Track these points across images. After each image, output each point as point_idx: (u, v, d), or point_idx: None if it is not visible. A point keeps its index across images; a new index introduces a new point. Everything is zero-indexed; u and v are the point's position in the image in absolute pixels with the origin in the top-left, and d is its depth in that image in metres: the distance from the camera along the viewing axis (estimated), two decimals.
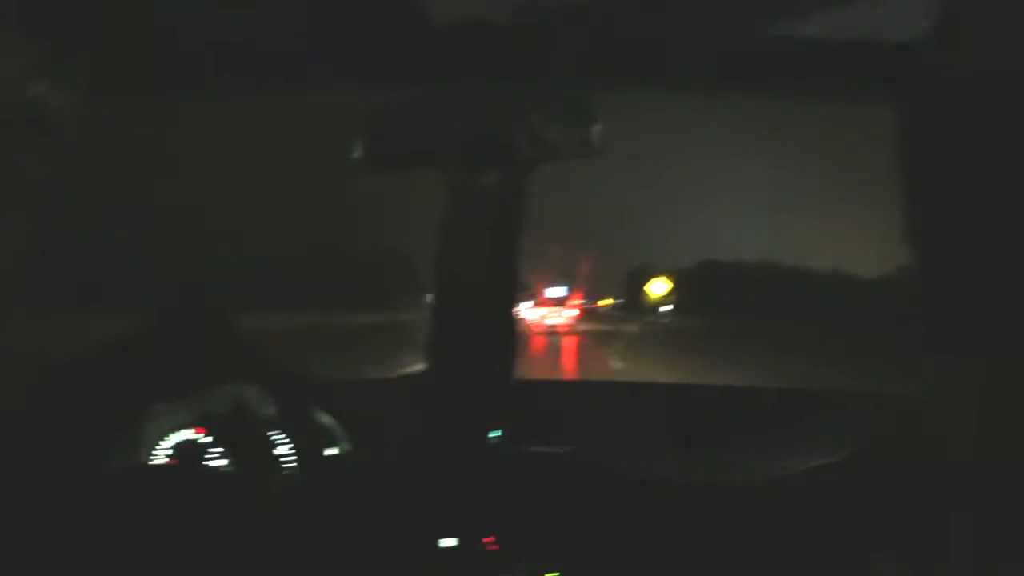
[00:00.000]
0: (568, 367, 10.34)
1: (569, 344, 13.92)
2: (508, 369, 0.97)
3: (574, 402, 1.46)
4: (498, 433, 1.31)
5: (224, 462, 1.43)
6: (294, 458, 1.32)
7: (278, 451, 1.36)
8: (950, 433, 0.38)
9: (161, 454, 1.42)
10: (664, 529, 1.16)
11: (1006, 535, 0.36)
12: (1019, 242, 0.33)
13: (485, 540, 1.19)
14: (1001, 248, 0.33)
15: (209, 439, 1.43)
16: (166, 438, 1.43)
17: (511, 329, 0.94)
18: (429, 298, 0.92)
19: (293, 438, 1.15)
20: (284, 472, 1.39)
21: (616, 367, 9.64)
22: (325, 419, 1.37)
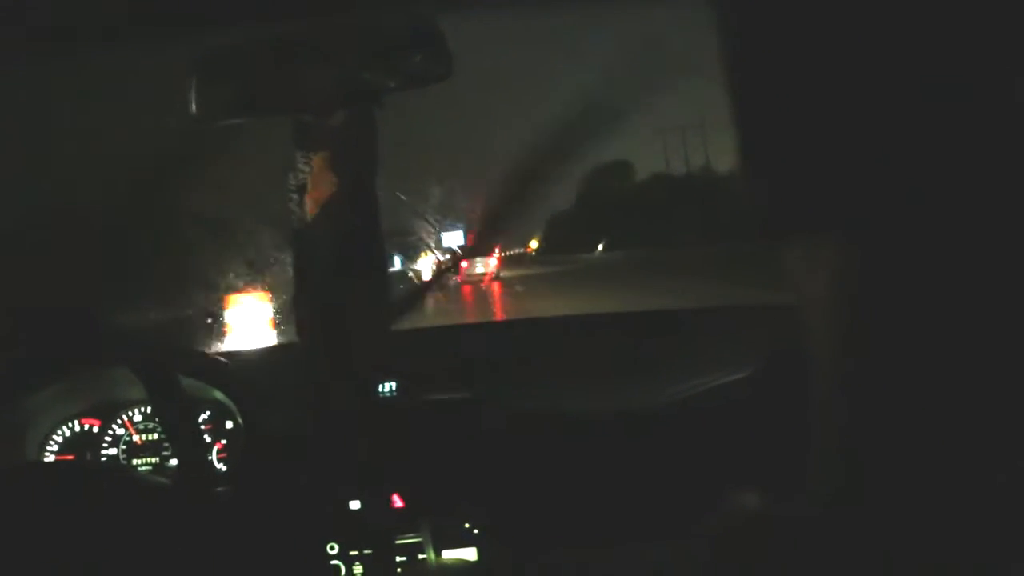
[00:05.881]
0: (489, 313, 10.39)
1: (491, 291, 13.96)
2: (388, 320, 0.91)
3: (474, 346, 1.42)
4: (392, 386, 1.26)
5: (115, 452, 1.36)
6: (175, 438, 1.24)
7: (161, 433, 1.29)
8: (817, 336, 0.35)
9: (51, 449, 1.34)
10: (574, 465, 1.15)
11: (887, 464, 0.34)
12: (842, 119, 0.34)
13: (391, 497, 1.15)
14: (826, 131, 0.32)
15: (98, 429, 1.35)
16: (56, 432, 1.35)
17: (383, 277, 0.88)
18: (291, 259, 0.85)
19: (170, 418, 1.06)
20: (170, 453, 1.32)
21: (532, 307, 9.71)
22: (216, 394, 1.30)
